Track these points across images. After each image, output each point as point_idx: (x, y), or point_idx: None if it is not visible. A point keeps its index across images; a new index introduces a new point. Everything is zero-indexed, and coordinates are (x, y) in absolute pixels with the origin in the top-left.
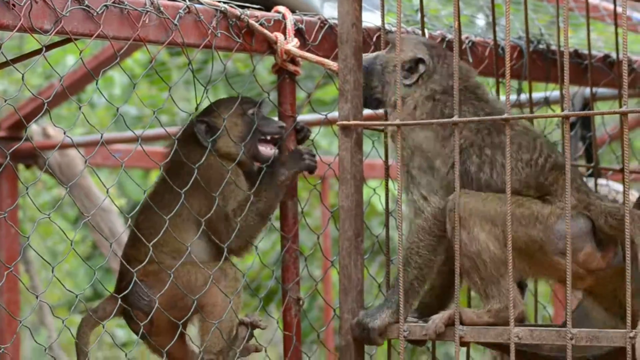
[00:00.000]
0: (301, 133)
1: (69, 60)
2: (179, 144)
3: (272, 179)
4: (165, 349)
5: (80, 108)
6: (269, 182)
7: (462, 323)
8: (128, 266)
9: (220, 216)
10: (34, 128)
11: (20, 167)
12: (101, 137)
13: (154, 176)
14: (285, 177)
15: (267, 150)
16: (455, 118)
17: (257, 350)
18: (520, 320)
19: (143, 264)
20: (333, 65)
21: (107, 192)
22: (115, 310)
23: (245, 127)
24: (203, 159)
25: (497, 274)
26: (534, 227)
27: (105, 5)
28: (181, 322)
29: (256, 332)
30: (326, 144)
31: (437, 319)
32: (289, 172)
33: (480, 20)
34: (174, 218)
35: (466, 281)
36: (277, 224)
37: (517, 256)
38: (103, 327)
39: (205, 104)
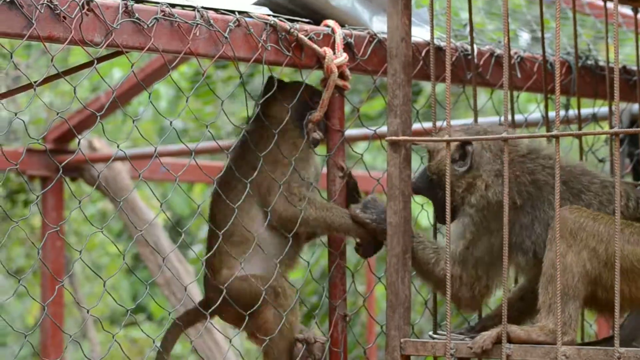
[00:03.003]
0: (350, 183)
1: (115, 73)
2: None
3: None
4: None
5: (133, 122)
6: (355, 213)
7: (510, 341)
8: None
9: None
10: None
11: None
12: (155, 151)
13: (199, 190)
14: (359, 217)
15: (316, 134)
16: (505, 135)
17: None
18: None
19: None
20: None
21: (161, 206)
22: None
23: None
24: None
25: (573, 294)
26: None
27: (155, 18)
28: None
29: (321, 343)
30: (370, 159)
31: (486, 336)
32: (377, 225)
33: (525, 34)
34: (243, 206)
35: (540, 289)
36: (324, 239)
37: (620, 278)
38: (153, 342)
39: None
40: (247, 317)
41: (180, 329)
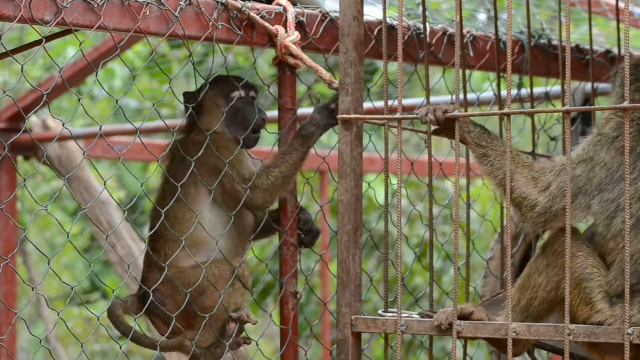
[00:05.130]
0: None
1: (69, 51)
2: (184, 131)
3: (301, 139)
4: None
5: (79, 100)
6: (296, 143)
7: (471, 318)
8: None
9: (234, 184)
10: (33, 120)
11: (19, 158)
12: (99, 129)
13: (153, 169)
14: (315, 137)
15: (250, 134)
16: (457, 113)
17: (246, 342)
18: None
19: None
20: (325, 74)
21: (105, 184)
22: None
23: (226, 109)
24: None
25: (532, 314)
26: (582, 310)
27: None
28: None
29: (252, 325)
30: (325, 138)
31: (449, 312)
32: (320, 130)
33: (482, 15)
34: (188, 210)
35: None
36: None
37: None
38: (98, 319)
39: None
40: (188, 295)
41: (123, 305)
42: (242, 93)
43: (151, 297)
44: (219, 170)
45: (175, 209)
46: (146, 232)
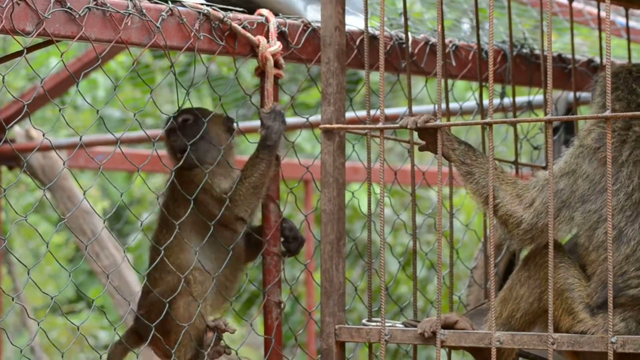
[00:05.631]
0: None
1: (52, 62)
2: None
3: (262, 148)
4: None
5: (60, 111)
6: (259, 152)
7: (455, 328)
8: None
9: (208, 206)
10: (16, 130)
11: (3, 169)
12: (80, 140)
13: (135, 178)
14: (273, 142)
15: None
16: (438, 122)
17: (226, 352)
18: None
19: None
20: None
21: (84, 194)
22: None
23: (168, 140)
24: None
25: (514, 326)
26: (565, 320)
27: (87, 7)
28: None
29: (235, 334)
30: (310, 148)
31: (433, 321)
32: (276, 135)
33: (465, 25)
34: (177, 240)
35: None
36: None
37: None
38: (78, 329)
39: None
40: (167, 305)
41: (126, 348)
42: (175, 123)
43: (135, 310)
44: (197, 199)
45: (168, 240)
46: (130, 242)
